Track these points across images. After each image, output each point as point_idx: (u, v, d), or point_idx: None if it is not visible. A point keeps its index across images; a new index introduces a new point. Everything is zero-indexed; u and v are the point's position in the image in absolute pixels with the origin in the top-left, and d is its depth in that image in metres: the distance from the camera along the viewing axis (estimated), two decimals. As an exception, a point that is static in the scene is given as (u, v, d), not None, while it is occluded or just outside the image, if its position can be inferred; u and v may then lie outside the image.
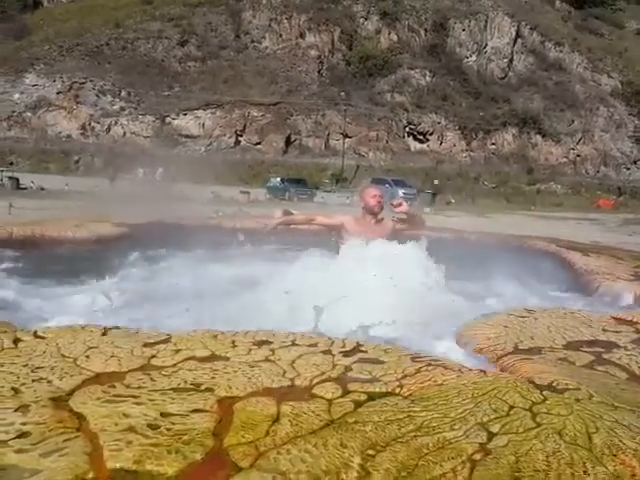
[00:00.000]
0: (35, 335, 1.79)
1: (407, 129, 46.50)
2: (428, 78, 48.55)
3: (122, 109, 43.83)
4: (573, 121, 49.82)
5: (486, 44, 52.36)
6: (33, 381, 1.45)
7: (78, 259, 3.82)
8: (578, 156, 49.02)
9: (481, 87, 49.53)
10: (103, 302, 2.94)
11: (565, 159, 48.71)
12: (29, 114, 42.77)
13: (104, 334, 1.81)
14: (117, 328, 1.90)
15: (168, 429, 1.24)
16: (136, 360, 1.60)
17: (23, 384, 1.44)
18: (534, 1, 62.72)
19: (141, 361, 1.60)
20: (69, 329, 1.87)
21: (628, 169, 49.38)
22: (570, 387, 1.34)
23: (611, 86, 53.39)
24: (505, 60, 52.60)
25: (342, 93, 44.31)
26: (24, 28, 46.66)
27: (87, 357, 1.61)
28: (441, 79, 48.67)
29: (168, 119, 43.67)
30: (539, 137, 48.17)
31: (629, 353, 1.70)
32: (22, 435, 1.20)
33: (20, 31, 45.89)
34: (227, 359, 1.62)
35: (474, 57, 51.63)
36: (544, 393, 1.30)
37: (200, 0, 49.81)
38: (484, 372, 1.46)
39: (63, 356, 1.61)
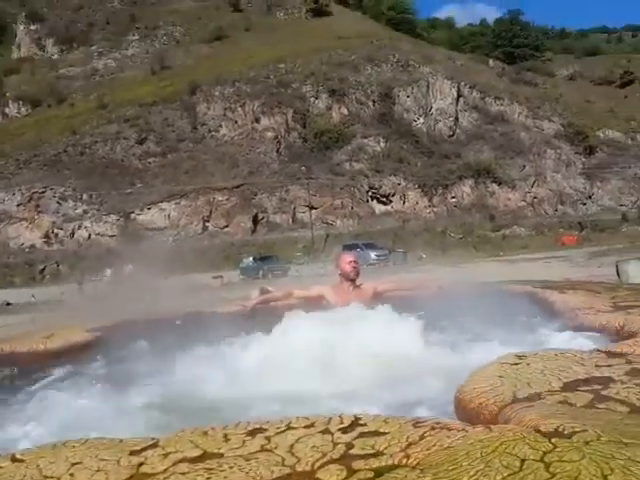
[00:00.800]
0: (13, 459, 1.67)
1: (369, 194, 47.82)
2: (382, 144, 50.64)
3: (85, 212, 43.92)
4: (524, 166, 52.20)
5: (431, 106, 55.35)
6: (14, 513, 1.34)
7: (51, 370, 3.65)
8: (535, 198, 50.96)
9: (433, 146, 51.87)
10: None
11: (523, 202, 50.54)
12: (-11, 229, 42.48)
13: (87, 447, 1.69)
14: (100, 438, 1.79)
15: None
16: (124, 471, 1.49)
17: (3, 518, 1.32)
18: (469, 63, 67.47)
19: (129, 471, 1.49)
20: (49, 447, 1.74)
21: (584, 204, 51.47)
22: (577, 430, 1.30)
23: (554, 129, 56.63)
24: (451, 119, 55.54)
25: (303, 168, 45.64)
26: (-21, 147, 47.21)
27: (71, 475, 1.49)
28: (394, 143, 50.81)
29: (133, 215, 43.83)
30: (495, 185, 50.13)
31: (625, 386, 1.68)
32: None
33: (-24, 150, 46.36)
34: (221, 455, 1.52)
35: (422, 119, 54.36)
36: (553, 440, 1.26)
37: (154, 99, 51.48)
38: (489, 428, 1.42)
39: (45, 477, 1.50)
